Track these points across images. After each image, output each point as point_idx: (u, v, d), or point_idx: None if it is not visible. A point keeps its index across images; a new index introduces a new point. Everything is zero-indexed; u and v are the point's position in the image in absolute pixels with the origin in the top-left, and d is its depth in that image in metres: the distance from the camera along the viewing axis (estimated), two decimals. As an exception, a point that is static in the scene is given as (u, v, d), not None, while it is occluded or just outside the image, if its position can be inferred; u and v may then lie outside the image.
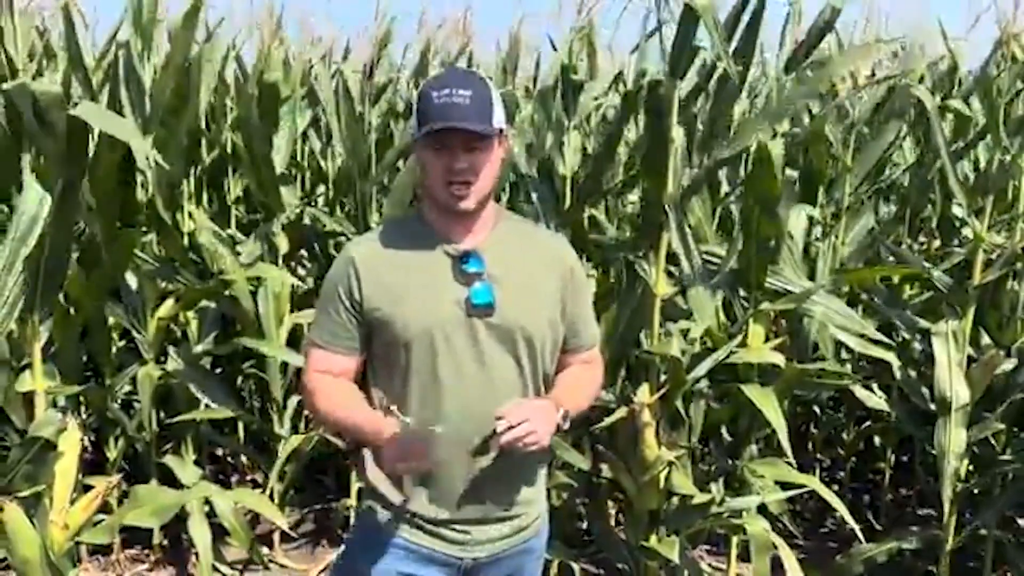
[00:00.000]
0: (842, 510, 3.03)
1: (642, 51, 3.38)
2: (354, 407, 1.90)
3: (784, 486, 3.10)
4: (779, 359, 2.93)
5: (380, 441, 1.82)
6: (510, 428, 1.75)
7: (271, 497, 3.95)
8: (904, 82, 3.77)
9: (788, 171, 3.26)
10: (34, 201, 2.51)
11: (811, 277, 3.62)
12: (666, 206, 2.84)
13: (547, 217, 3.36)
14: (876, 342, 3.27)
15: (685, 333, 3.01)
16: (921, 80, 4.66)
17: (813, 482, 3.12)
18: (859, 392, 3.68)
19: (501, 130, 1.86)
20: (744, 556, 3.38)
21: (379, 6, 3.83)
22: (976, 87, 3.56)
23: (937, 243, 4.27)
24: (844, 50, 3.89)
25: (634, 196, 4.14)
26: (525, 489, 1.97)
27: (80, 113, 2.38)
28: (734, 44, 2.74)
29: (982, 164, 4.54)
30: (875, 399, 3.73)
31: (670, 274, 3.08)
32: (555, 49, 3.93)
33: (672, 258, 2.98)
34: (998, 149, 3.46)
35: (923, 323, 3.59)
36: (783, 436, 2.77)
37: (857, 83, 3.70)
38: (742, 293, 3.12)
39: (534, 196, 3.36)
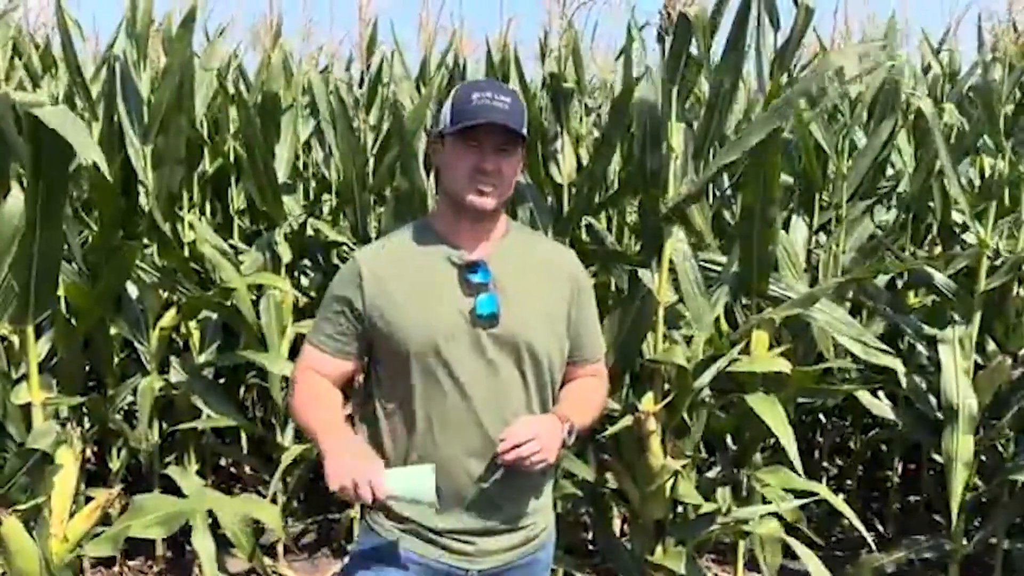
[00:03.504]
0: (851, 516, 3.00)
1: (627, 57, 3.36)
2: (318, 410, 1.88)
3: (791, 494, 3.08)
4: (785, 366, 2.90)
5: (324, 453, 1.76)
6: (515, 447, 1.76)
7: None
8: (892, 80, 3.78)
9: (784, 177, 3.24)
10: (16, 209, 2.51)
11: (813, 285, 3.60)
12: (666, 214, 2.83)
13: (543, 226, 3.34)
14: (879, 350, 3.24)
15: (688, 340, 2.99)
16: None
17: (821, 489, 3.08)
18: (865, 399, 3.66)
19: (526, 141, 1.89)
20: (751, 565, 3.35)
21: (362, 13, 3.79)
22: (975, 94, 3.55)
23: (939, 249, 4.26)
24: (827, 53, 3.89)
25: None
26: (532, 500, 1.95)
27: (42, 116, 2.36)
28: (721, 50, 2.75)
29: (987, 170, 4.53)
30: (881, 406, 3.70)
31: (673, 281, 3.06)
32: (543, 55, 3.91)
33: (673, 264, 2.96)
34: (999, 155, 3.45)
35: (929, 330, 3.56)
36: (791, 447, 2.73)
37: (843, 79, 3.68)
38: (743, 301, 3.10)
39: (530, 205, 3.34)
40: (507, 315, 1.84)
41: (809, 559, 3.03)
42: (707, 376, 2.85)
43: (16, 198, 2.56)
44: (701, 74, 2.93)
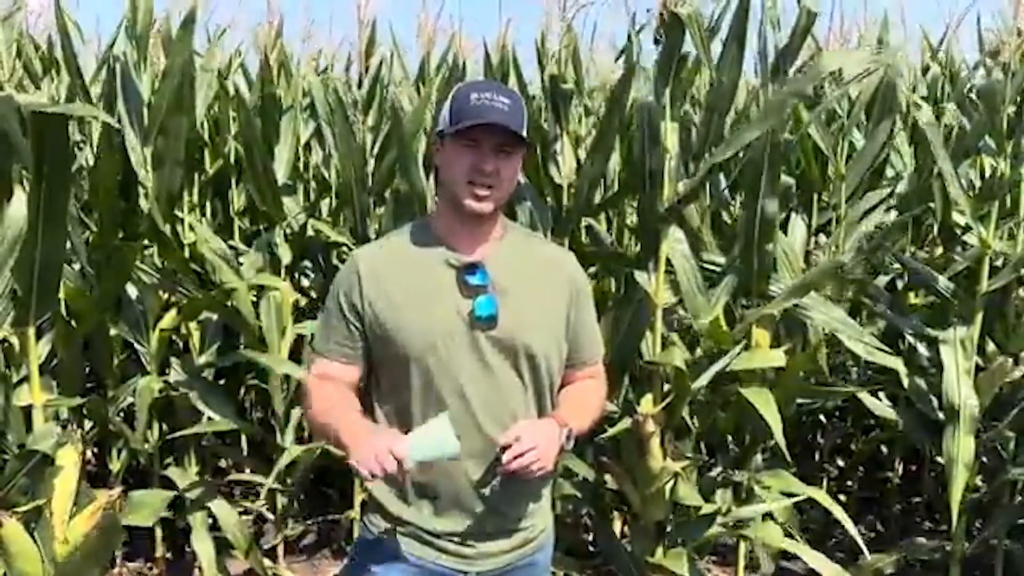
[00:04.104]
0: (846, 522, 2.99)
1: (628, 56, 3.35)
2: (338, 412, 1.84)
3: (791, 497, 3.07)
4: (781, 359, 2.90)
5: (347, 448, 1.74)
6: (517, 456, 1.74)
7: (274, 509, 3.93)
8: (887, 80, 3.78)
9: (784, 177, 3.24)
10: (20, 210, 2.51)
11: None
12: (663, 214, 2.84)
13: (543, 227, 3.34)
14: (879, 350, 3.24)
15: (688, 332, 2.98)
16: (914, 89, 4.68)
17: (818, 494, 3.08)
18: (866, 400, 3.65)
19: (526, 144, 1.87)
20: (752, 566, 3.34)
21: (360, 14, 3.78)
22: (978, 96, 3.55)
23: (939, 250, 4.25)
24: (823, 52, 3.89)
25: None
26: (530, 503, 1.95)
27: (45, 109, 2.37)
28: (718, 51, 2.75)
29: (987, 171, 4.52)
30: (882, 407, 3.70)
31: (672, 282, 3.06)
32: (540, 59, 3.90)
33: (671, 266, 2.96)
34: (1001, 156, 3.44)
35: (930, 331, 3.56)
36: (778, 432, 2.73)
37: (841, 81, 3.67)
38: (743, 301, 3.09)
39: (528, 205, 3.34)
40: (505, 317, 1.84)
41: (814, 559, 3.02)
42: (705, 377, 2.85)
43: (20, 200, 2.56)
44: (696, 74, 2.93)
